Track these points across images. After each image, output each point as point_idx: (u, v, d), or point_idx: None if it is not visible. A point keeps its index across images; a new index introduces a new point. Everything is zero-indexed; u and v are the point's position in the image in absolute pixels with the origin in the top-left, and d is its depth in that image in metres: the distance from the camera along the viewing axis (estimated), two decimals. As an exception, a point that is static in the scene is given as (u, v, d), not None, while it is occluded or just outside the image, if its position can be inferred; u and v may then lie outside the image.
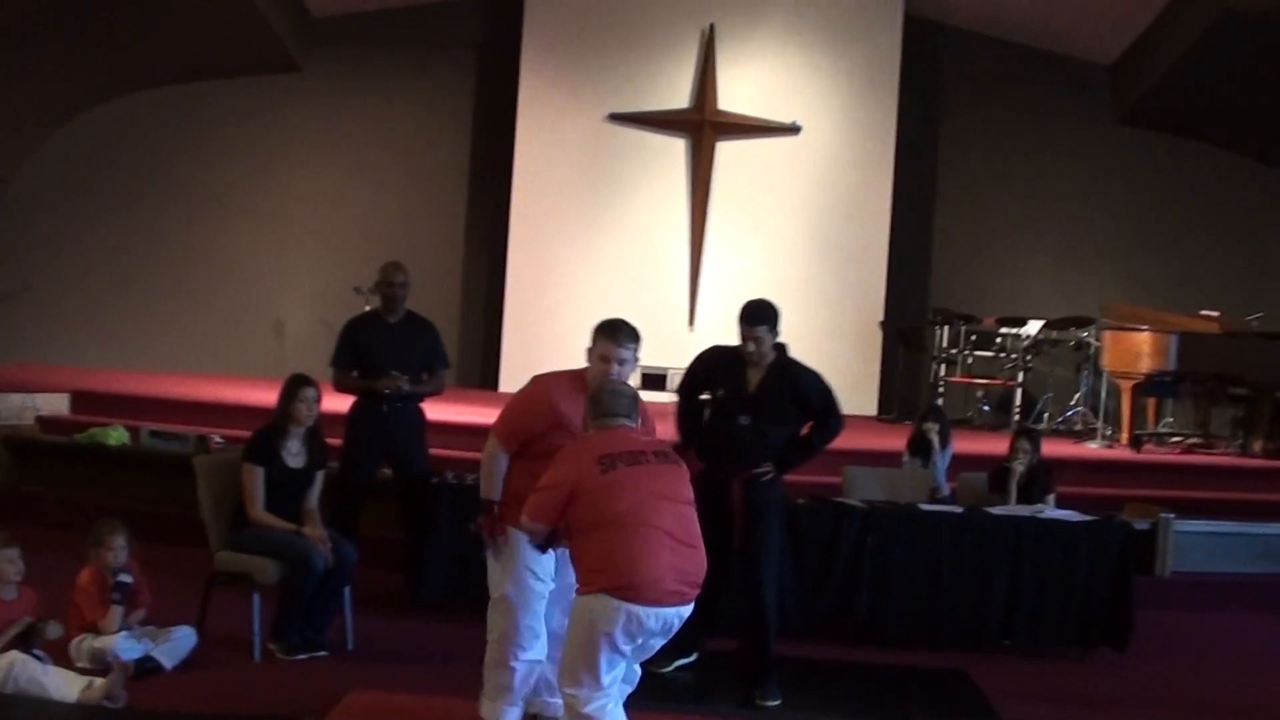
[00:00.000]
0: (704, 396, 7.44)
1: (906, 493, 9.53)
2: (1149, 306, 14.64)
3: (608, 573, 5.13)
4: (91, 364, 15.46)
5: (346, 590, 7.59)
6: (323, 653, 7.39)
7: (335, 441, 8.60)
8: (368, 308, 9.54)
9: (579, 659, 5.18)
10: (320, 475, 7.65)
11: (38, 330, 15.94)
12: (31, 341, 15.78)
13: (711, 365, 7.41)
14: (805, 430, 7.31)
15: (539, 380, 6.19)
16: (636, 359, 6.07)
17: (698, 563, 5.27)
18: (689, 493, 5.44)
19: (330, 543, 7.36)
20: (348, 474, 8.60)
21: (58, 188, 16.19)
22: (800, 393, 7.18)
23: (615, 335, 5.99)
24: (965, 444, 11.26)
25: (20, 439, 11.30)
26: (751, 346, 7.06)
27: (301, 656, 7.32)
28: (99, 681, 6.17)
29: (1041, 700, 7.46)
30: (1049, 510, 8.96)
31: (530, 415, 6.05)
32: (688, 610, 5.24)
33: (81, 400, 12.59)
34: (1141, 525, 9.51)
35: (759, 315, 7.10)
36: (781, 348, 7.24)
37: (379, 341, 8.60)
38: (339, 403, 8.85)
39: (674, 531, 5.20)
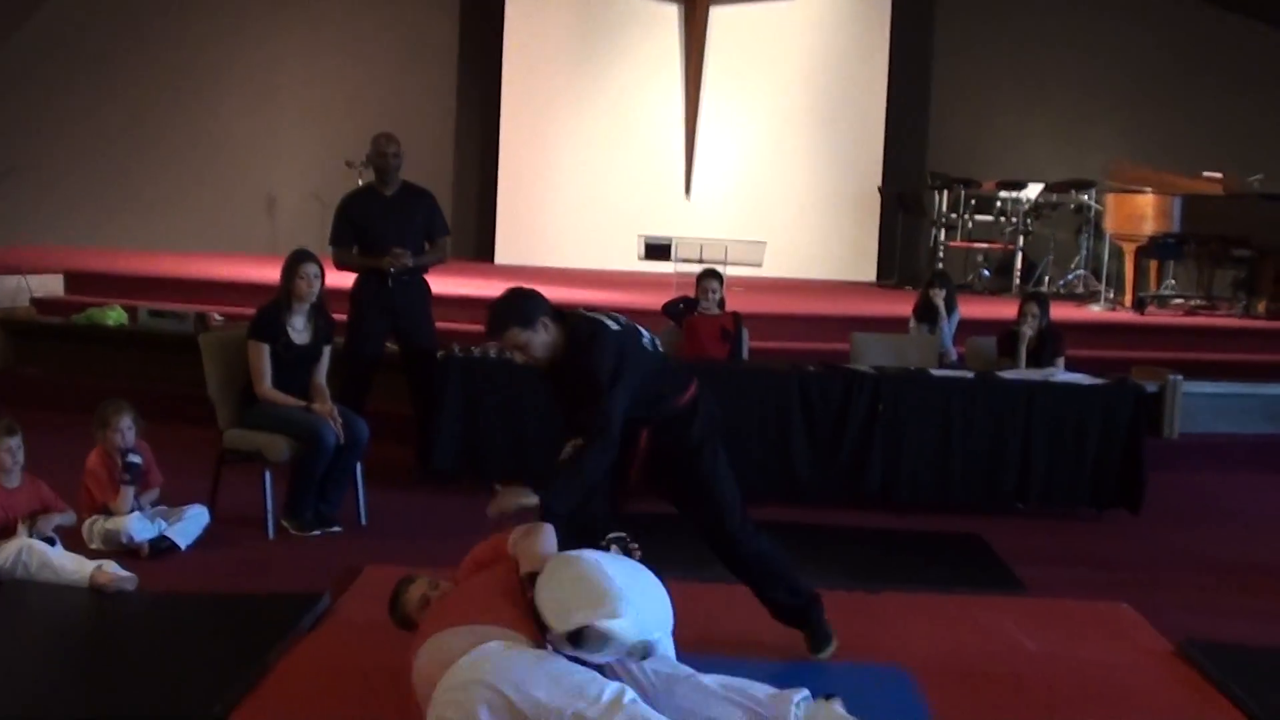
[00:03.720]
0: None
1: (915, 358, 9.50)
2: (1151, 168, 14.50)
3: None
4: (84, 244, 15.29)
5: (359, 465, 7.52)
6: (336, 528, 7.35)
7: (341, 318, 8.52)
8: (360, 182, 9.40)
9: None
10: (327, 350, 7.56)
11: (28, 211, 15.73)
12: (22, 222, 15.58)
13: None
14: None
15: None
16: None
17: None
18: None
19: (341, 418, 7.28)
20: (354, 350, 8.54)
21: (41, 67, 15.88)
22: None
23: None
24: (968, 308, 11.20)
25: (16, 321, 11.20)
26: (519, 358, 5.35)
27: (315, 533, 7.27)
28: (109, 564, 6.11)
29: (1056, 561, 7.45)
30: (1059, 374, 8.89)
31: None
32: None
33: (76, 281, 12.48)
34: (1151, 388, 9.46)
35: (499, 320, 5.24)
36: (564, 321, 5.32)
37: (377, 215, 8.50)
38: (343, 279, 8.76)
39: None
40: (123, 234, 15.73)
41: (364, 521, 7.55)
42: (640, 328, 5.39)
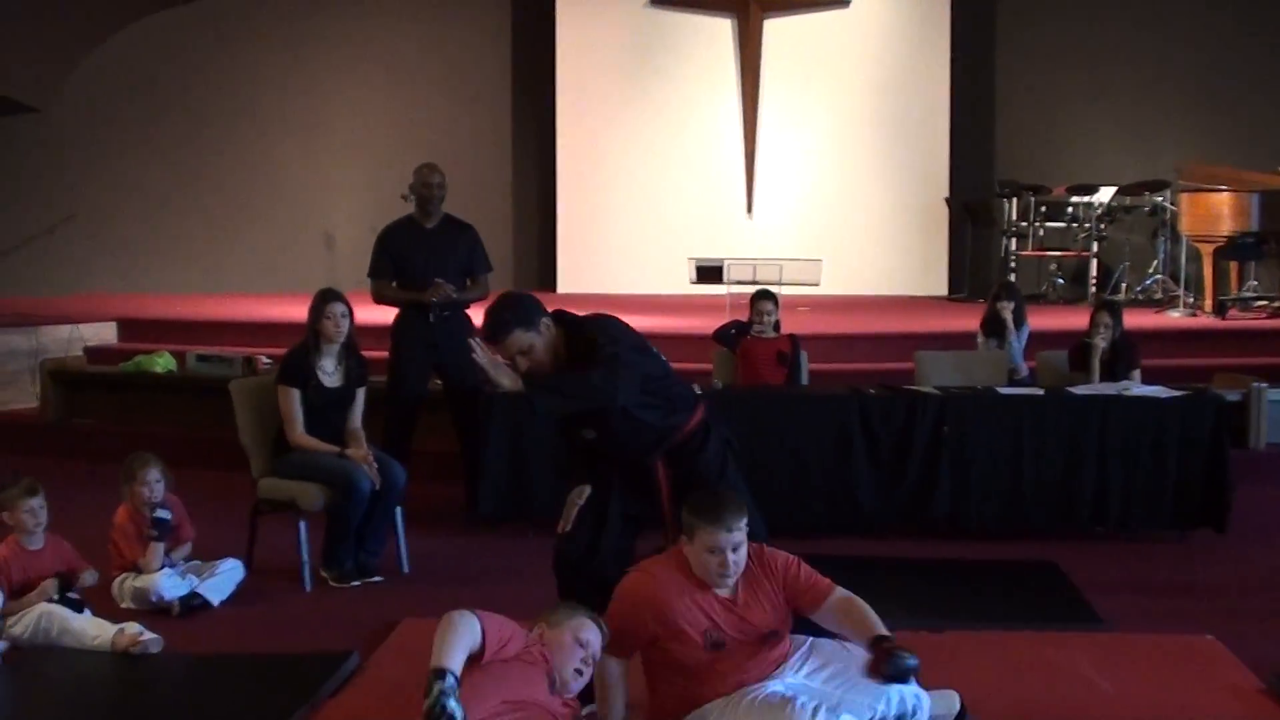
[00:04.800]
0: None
1: (983, 376, 9.12)
2: (1226, 165, 14.03)
3: None
4: (141, 291, 15.21)
5: (399, 511, 7.25)
6: (377, 578, 7.09)
7: (382, 355, 8.42)
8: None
9: None
10: (361, 393, 7.30)
11: (85, 260, 15.71)
12: (78, 271, 15.56)
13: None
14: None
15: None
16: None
17: None
18: None
19: (376, 463, 7.00)
20: (396, 389, 8.34)
21: (93, 113, 15.87)
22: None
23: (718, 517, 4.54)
24: (1041, 320, 10.84)
25: (66, 371, 11.05)
26: (522, 364, 5.02)
27: (355, 583, 7.02)
28: (132, 626, 5.84)
29: (1137, 589, 7.04)
30: (1135, 387, 8.48)
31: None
32: None
33: (129, 328, 12.44)
34: (1233, 397, 9.06)
35: (499, 325, 5.04)
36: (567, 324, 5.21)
37: (416, 248, 8.29)
38: (384, 314, 8.57)
39: None
40: (179, 279, 15.67)
41: (406, 569, 7.28)
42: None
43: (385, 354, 8.39)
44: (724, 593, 4.61)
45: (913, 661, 4.47)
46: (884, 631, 4.59)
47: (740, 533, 4.52)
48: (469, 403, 8.23)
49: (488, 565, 7.46)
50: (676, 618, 4.54)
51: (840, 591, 4.72)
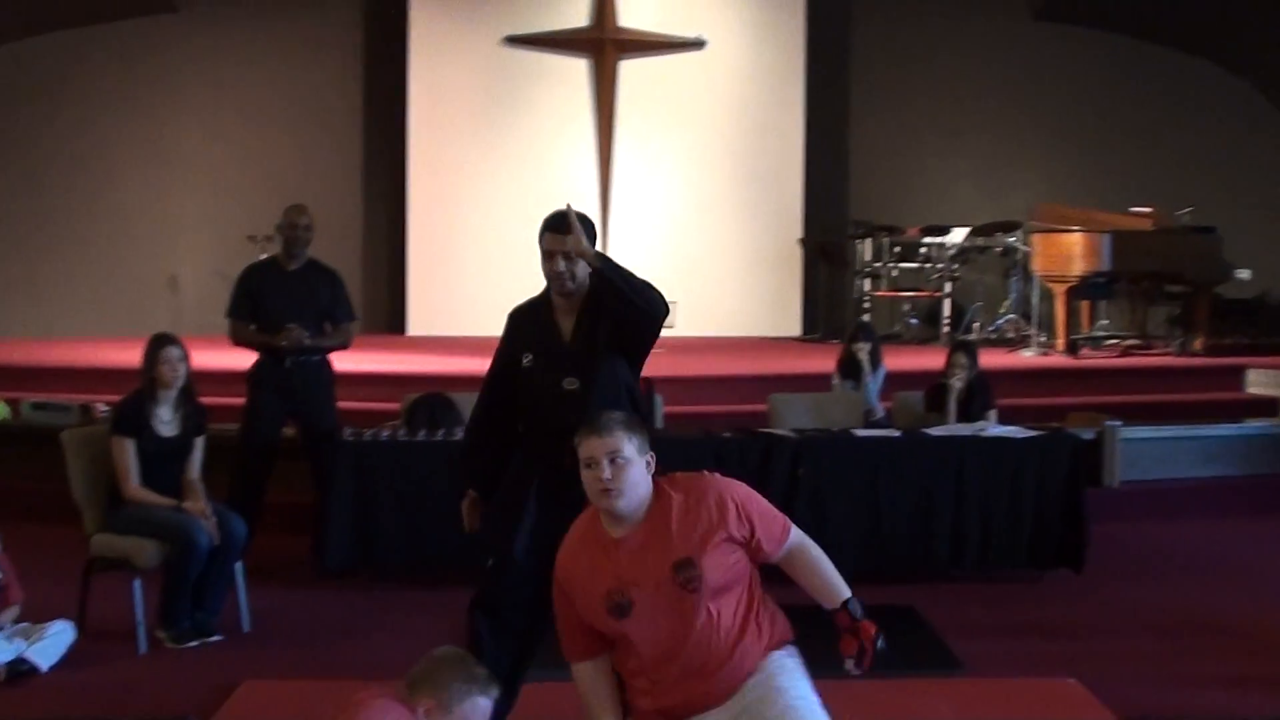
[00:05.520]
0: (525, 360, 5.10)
1: (839, 418, 8.99)
2: (1078, 206, 14.19)
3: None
4: (-27, 335, 14.68)
5: (239, 567, 6.96)
6: (216, 638, 6.77)
7: (238, 401, 8.22)
8: (263, 256, 9.00)
9: None
10: (200, 442, 7.00)
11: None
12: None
13: (515, 327, 5.27)
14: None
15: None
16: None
17: None
18: None
19: (215, 517, 6.72)
20: (249, 435, 8.10)
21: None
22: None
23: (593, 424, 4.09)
24: (895, 361, 10.80)
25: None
26: (562, 265, 4.91)
27: (193, 644, 6.69)
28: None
29: (997, 632, 7.00)
30: (992, 427, 8.47)
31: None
32: None
33: (-41, 375, 11.86)
34: (1087, 435, 9.10)
35: (570, 221, 4.85)
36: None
37: (276, 291, 8.07)
38: (242, 358, 8.34)
39: None
40: (16, 321, 15.10)
41: (247, 628, 6.97)
42: None
43: (241, 399, 8.18)
44: (617, 532, 3.96)
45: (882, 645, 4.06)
46: (848, 593, 4.05)
47: (622, 442, 3.90)
48: (324, 451, 7.99)
49: (333, 621, 7.20)
50: (582, 582, 4.00)
51: (795, 537, 4.07)
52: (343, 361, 8.54)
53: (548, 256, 4.94)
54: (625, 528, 3.95)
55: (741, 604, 3.98)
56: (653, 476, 4.00)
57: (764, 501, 4.06)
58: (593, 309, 4.95)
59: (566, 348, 4.99)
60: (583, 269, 4.89)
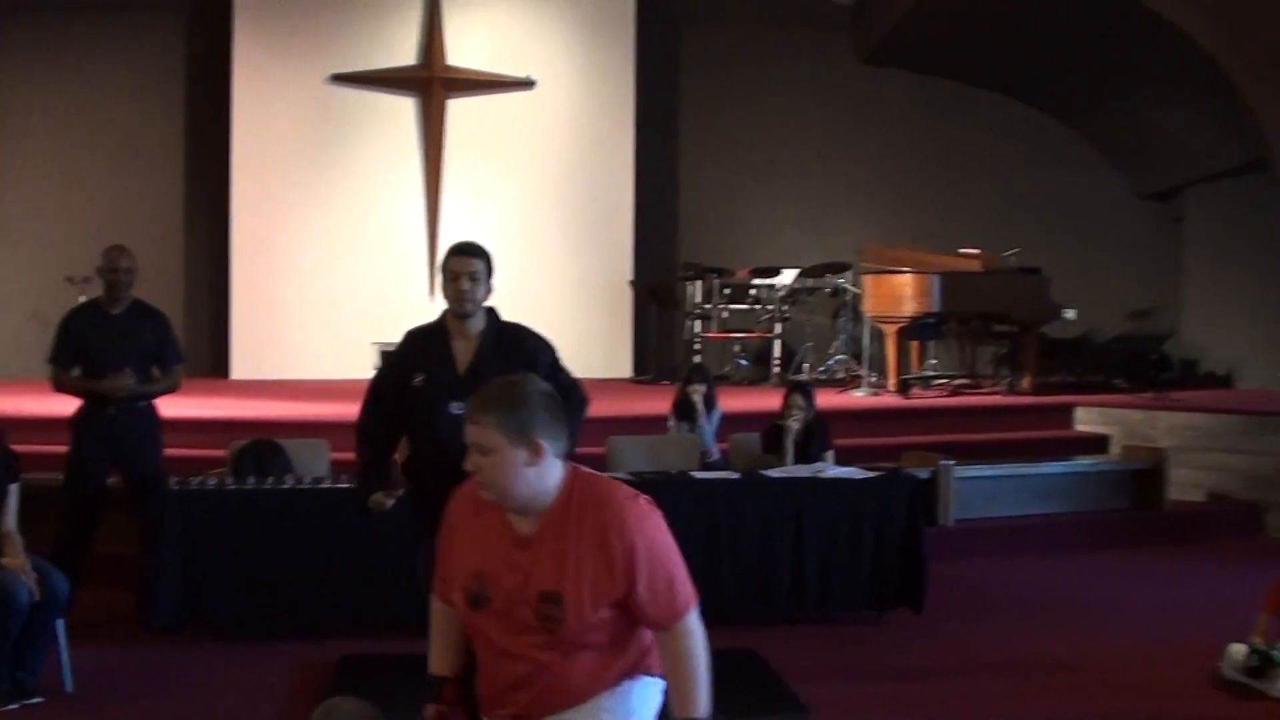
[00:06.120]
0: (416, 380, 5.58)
1: (675, 460, 8.93)
2: (906, 247, 14.33)
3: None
4: None
5: (60, 623, 6.61)
6: (37, 699, 6.40)
7: (60, 448, 7.90)
8: (82, 298, 8.66)
9: None
10: (14, 490, 6.65)
11: None
12: None
13: (410, 349, 5.73)
14: None
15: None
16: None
17: None
18: None
19: (36, 571, 6.38)
20: (73, 485, 7.73)
21: None
22: (528, 364, 5.41)
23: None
24: (728, 402, 10.73)
25: None
26: (466, 285, 5.52)
27: (12, 706, 6.33)
28: None
29: (841, 674, 6.96)
30: (830, 468, 8.45)
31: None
32: None
33: None
34: (922, 474, 9.14)
35: (475, 247, 5.68)
36: (492, 312, 5.75)
37: (100, 335, 7.73)
38: (63, 404, 8.03)
39: None
40: None
41: (69, 688, 6.59)
42: None
43: (63, 447, 7.83)
44: (511, 518, 3.50)
45: None
46: (701, 714, 3.47)
47: (485, 431, 3.37)
48: (149, 501, 7.66)
49: (161, 679, 6.86)
50: (461, 542, 3.60)
51: (685, 625, 3.53)
52: (165, 407, 8.23)
53: (453, 278, 5.53)
54: (518, 516, 3.49)
55: (601, 651, 3.53)
56: (568, 470, 3.49)
57: (674, 565, 3.53)
58: (491, 353, 5.50)
59: (457, 376, 5.46)
60: (482, 292, 5.53)
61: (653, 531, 3.48)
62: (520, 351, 5.59)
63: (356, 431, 5.84)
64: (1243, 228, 14.81)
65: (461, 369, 5.51)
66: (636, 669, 3.60)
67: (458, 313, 5.55)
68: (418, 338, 5.73)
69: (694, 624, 3.52)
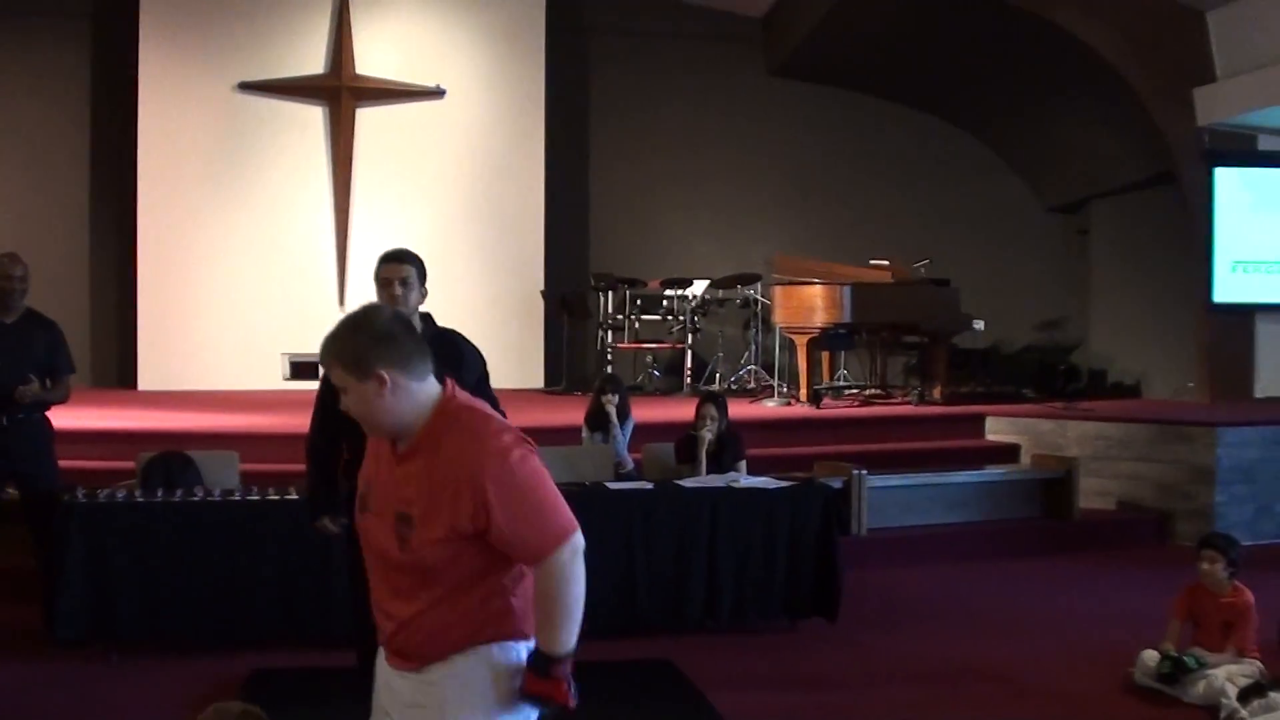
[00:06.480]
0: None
1: (589, 471, 8.90)
2: (816, 258, 14.38)
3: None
4: None
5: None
6: (-64, 718, 6.31)
7: None
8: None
9: None
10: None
11: None
12: None
13: None
14: None
15: None
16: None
17: None
18: None
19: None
20: (-36, 499, 7.57)
21: None
22: (460, 369, 5.53)
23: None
24: (641, 412, 10.72)
25: None
26: (399, 290, 5.68)
27: (-92, 724, 6.23)
28: None
29: (758, 685, 6.95)
30: (743, 478, 8.46)
31: None
32: None
33: None
34: (835, 484, 9.18)
35: (406, 254, 5.84)
36: (427, 317, 5.92)
37: None
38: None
39: None
40: None
41: (-30, 705, 6.51)
42: None
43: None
44: (402, 446, 3.45)
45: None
46: (557, 651, 3.34)
47: (332, 371, 3.43)
48: (45, 512, 7.50)
49: (68, 697, 6.72)
50: (367, 454, 3.66)
51: (555, 561, 3.36)
52: (69, 418, 8.10)
53: (384, 285, 5.72)
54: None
55: (456, 598, 3.41)
56: (444, 396, 3.46)
57: (541, 500, 3.38)
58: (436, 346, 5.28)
59: None
60: (415, 298, 5.71)
61: (515, 465, 3.34)
62: (453, 356, 5.60)
63: (305, 447, 6.00)
64: (1148, 239, 14.97)
65: None
66: (500, 632, 3.46)
67: None
68: None
69: (564, 560, 3.37)
